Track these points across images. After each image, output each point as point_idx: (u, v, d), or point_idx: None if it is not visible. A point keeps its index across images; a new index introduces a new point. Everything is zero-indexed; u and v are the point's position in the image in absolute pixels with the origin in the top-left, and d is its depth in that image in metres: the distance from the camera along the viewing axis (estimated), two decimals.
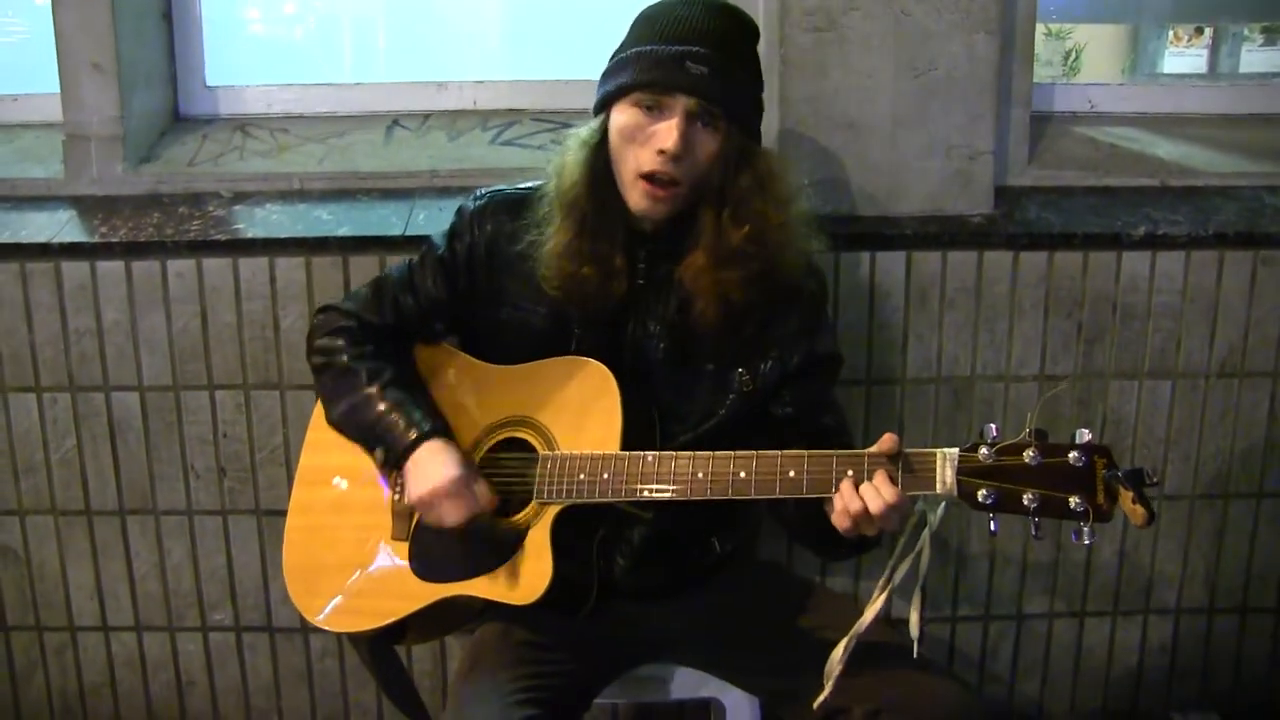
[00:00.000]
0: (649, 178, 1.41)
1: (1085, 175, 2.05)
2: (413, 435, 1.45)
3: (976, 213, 1.94)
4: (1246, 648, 2.10)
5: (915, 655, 1.35)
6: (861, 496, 1.28)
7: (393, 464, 1.47)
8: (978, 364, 1.95)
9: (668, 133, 1.38)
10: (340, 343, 1.55)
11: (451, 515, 1.43)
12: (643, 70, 1.39)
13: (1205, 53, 2.40)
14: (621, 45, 1.47)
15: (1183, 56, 2.41)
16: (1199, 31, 2.39)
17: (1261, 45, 2.38)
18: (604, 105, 1.46)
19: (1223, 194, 2.03)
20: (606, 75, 1.46)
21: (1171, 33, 2.41)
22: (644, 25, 1.46)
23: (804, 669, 1.46)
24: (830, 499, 1.31)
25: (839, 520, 1.30)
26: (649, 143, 1.40)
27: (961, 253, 1.90)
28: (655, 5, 1.48)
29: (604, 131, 1.45)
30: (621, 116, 1.42)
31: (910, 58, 1.86)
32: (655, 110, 1.40)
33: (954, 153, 1.91)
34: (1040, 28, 2.32)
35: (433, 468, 1.43)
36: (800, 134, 1.88)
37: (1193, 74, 2.40)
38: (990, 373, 1.95)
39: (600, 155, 1.45)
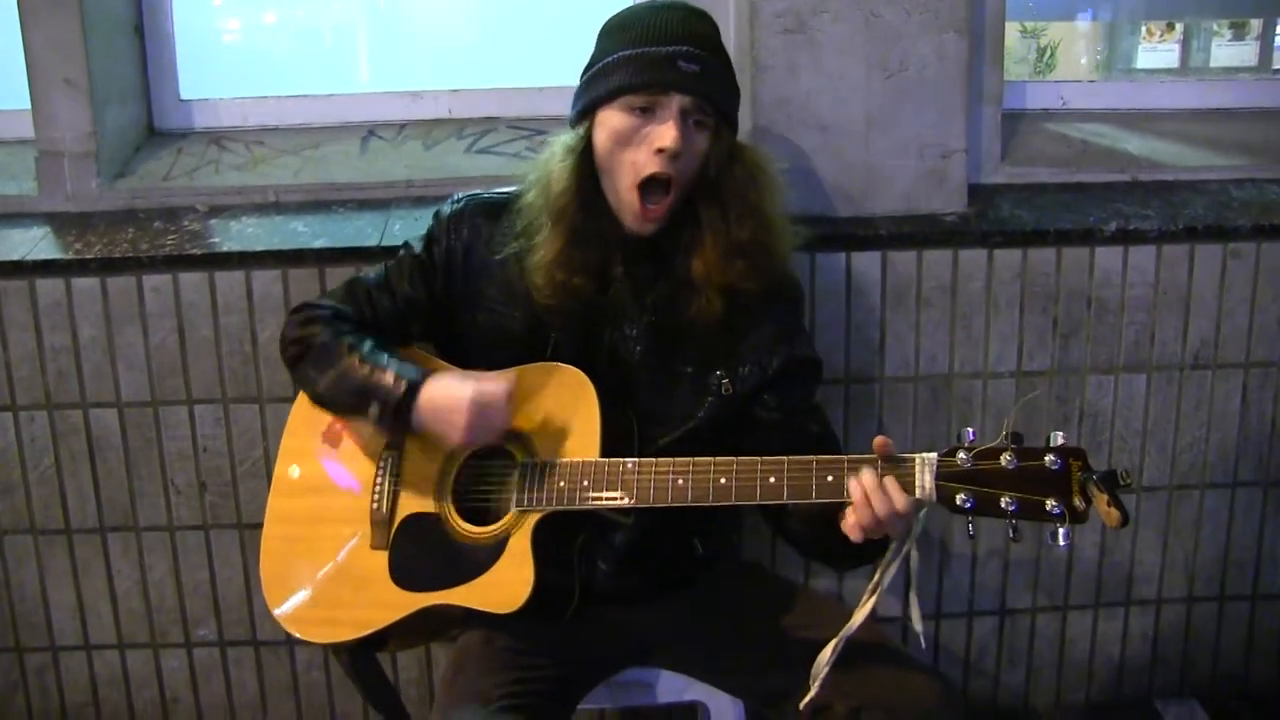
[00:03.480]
0: (646, 185, 1.42)
1: (1057, 172, 2.07)
2: (405, 384, 1.42)
3: (950, 211, 1.95)
4: (1224, 635, 2.13)
5: (924, 646, 1.39)
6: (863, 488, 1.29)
7: (390, 415, 1.43)
8: (955, 362, 1.96)
9: (666, 131, 1.39)
10: (315, 327, 1.53)
11: (499, 416, 1.41)
12: (635, 72, 1.40)
13: (1177, 48, 2.42)
14: (598, 55, 1.48)
15: (1155, 52, 2.43)
16: (1170, 27, 2.42)
17: (1230, 40, 2.40)
18: (587, 112, 1.46)
19: (1191, 188, 2.06)
20: (590, 83, 1.46)
21: (1144, 29, 2.44)
22: (620, 33, 1.46)
23: (787, 669, 1.47)
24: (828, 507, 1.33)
25: (850, 527, 1.31)
26: (644, 143, 1.41)
27: (937, 251, 1.92)
28: (623, 15, 1.49)
29: (588, 139, 1.45)
30: (612, 120, 1.43)
31: (881, 58, 1.88)
32: (648, 112, 1.41)
33: (927, 152, 1.93)
34: (1015, 26, 2.34)
35: (451, 392, 1.40)
36: (773, 136, 1.89)
37: (1165, 69, 2.42)
38: (968, 370, 1.97)
39: (586, 162, 1.45)
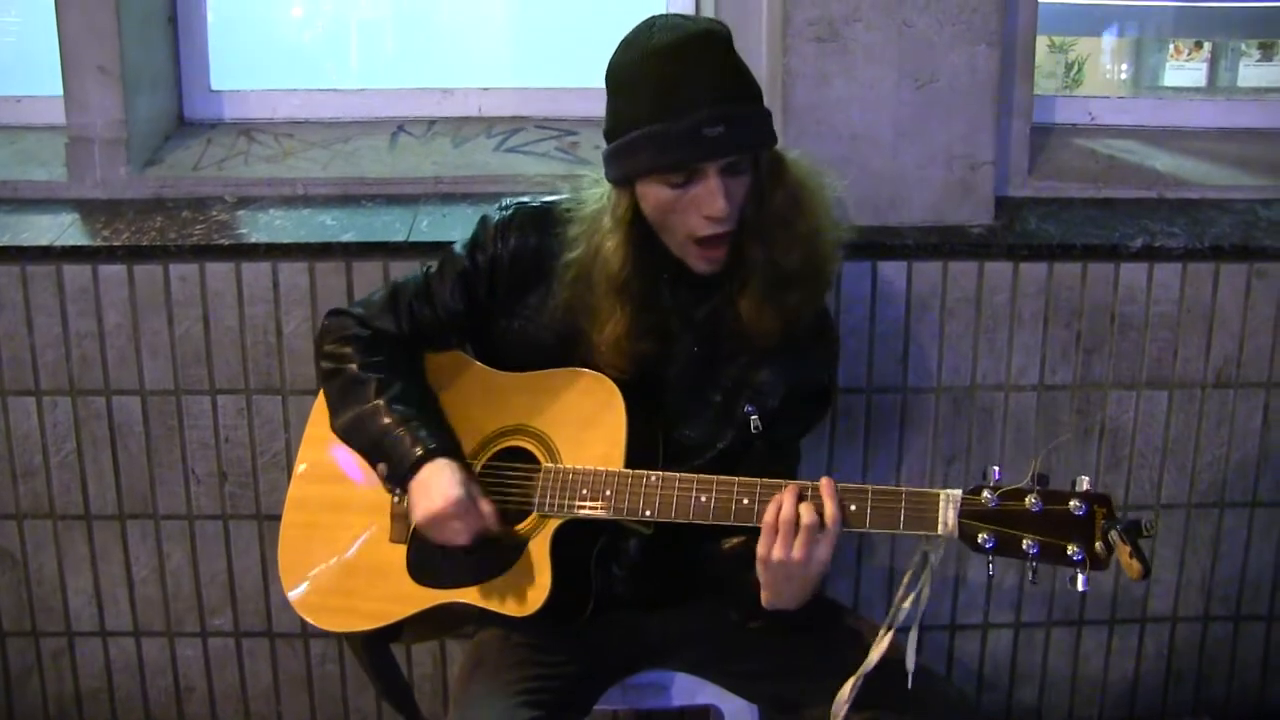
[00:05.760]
0: (702, 241, 1.39)
1: (1084, 187, 2.06)
2: (418, 453, 1.43)
3: (977, 223, 1.95)
4: (1240, 655, 2.12)
5: (909, 687, 1.37)
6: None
7: (396, 481, 1.46)
8: (978, 373, 1.96)
9: (710, 199, 1.35)
10: (349, 350, 1.53)
11: (457, 535, 1.42)
12: (660, 153, 1.35)
13: (1204, 67, 2.42)
14: (617, 123, 1.39)
15: (1183, 70, 2.43)
16: (1198, 46, 2.42)
17: (1258, 61, 2.40)
18: (625, 181, 1.40)
19: (1218, 206, 2.05)
20: (618, 156, 1.39)
21: (1172, 47, 2.44)
22: (633, 97, 1.37)
23: (801, 677, 1.47)
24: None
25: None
26: (692, 208, 1.37)
27: (962, 263, 1.92)
28: (629, 66, 1.38)
29: (632, 201, 1.41)
30: (653, 193, 1.38)
31: (912, 68, 1.88)
32: (687, 181, 1.37)
33: (955, 163, 1.93)
34: (1044, 40, 2.34)
35: (436, 488, 1.41)
36: (803, 143, 1.88)
37: (1191, 87, 2.42)
38: (990, 382, 1.97)
39: (638, 228, 1.41)
